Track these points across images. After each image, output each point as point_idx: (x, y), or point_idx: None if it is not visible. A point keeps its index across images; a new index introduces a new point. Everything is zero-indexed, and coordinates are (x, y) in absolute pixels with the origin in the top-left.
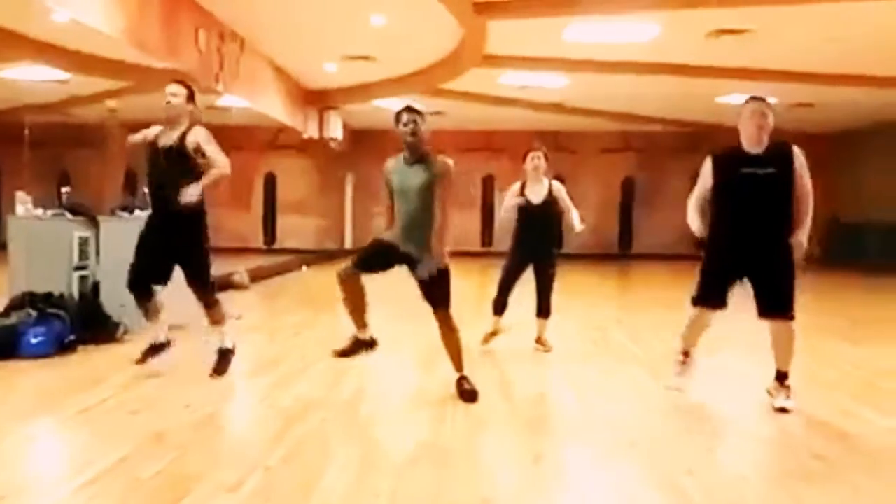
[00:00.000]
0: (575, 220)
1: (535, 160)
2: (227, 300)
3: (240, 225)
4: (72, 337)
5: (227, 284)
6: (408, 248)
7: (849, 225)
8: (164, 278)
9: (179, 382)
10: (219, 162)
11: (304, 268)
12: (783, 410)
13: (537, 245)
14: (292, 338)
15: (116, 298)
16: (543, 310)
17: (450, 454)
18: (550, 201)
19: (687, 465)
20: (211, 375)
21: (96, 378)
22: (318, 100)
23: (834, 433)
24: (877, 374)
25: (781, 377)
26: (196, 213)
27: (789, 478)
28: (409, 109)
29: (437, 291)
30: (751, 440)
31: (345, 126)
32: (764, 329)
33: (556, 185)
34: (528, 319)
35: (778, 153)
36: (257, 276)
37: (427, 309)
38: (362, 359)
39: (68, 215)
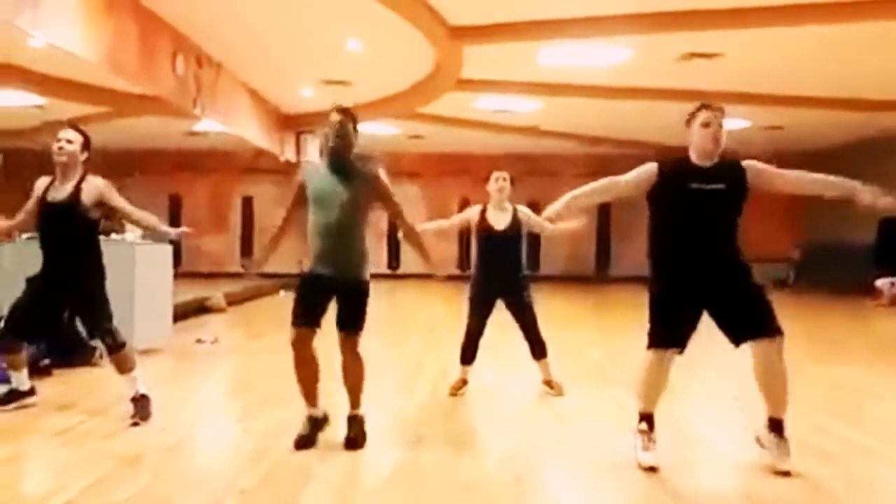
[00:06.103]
0: (545, 224)
1: (500, 181)
2: (204, 324)
3: (217, 249)
4: (46, 361)
5: (205, 308)
6: (339, 273)
7: (821, 245)
8: (46, 333)
9: (154, 406)
10: (142, 214)
11: (282, 292)
12: (786, 474)
13: (504, 277)
14: (268, 360)
15: None
16: (537, 350)
17: (428, 475)
18: (515, 227)
19: (667, 487)
20: (132, 424)
21: (71, 402)
22: (295, 123)
23: (817, 453)
24: (858, 394)
25: (776, 426)
26: (94, 274)
27: (772, 499)
28: (338, 109)
29: (352, 310)
30: (731, 461)
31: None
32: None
33: (522, 209)
34: (501, 344)
35: (728, 169)
36: (234, 300)
37: (408, 331)
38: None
39: None
